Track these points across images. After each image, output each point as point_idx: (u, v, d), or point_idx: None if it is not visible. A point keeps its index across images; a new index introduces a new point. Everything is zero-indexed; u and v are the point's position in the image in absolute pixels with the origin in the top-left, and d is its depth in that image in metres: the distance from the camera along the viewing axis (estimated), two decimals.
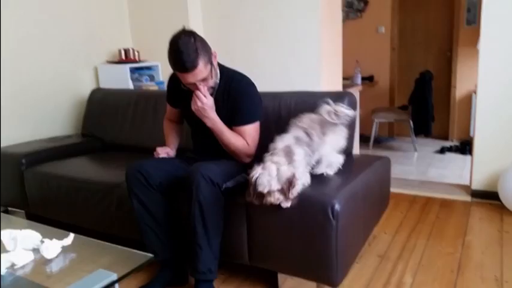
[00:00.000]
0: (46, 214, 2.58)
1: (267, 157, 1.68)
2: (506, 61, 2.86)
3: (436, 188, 3.33)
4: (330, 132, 1.85)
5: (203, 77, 1.83)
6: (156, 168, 1.97)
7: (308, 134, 1.80)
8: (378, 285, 1.96)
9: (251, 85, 2.01)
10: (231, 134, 1.93)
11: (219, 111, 1.91)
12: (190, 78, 1.82)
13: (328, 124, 1.84)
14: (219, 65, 2.00)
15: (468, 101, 5.06)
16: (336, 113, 1.84)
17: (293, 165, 1.65)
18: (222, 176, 1.84)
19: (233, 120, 1.95)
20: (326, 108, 1.85)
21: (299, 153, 1.71)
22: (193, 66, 1.78)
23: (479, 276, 2.00)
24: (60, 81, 3.28)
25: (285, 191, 1.60)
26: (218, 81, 1.97)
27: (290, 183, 1.60)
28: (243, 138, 1.95)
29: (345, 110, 1.85)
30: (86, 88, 3.41)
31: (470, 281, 1.96)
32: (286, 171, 1.61)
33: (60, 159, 2.72)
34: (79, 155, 2.88)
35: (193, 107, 1.87)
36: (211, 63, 1.87)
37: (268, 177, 1.59)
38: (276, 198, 1.62)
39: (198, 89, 1.84)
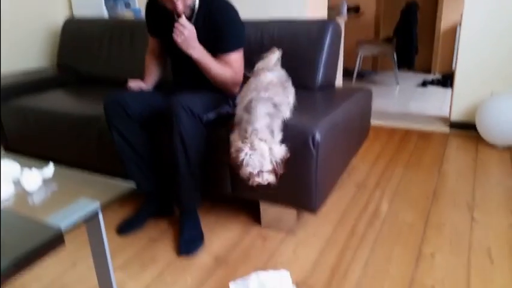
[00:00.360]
0: (26, 149, 2.55)
1: (249, 133, 1.53)
2: None
3: (415, 120, 3.39)
4: (289, 95, 1.80)
5: None
6: (135, 99, 1.92)
7: (276, 105, 1.66)
8: (354, 212, 2.04)
9: (233, 11, 1.91)
10: (218, 65, 1.86)
11: (199, 38, 1.83)
12: None
13: (286, 85, 1.79)
14: None
15: (453, 33, 5.01)
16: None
17: (275, 136, 1.59)
18: (203, 107, 1.81)
19: (217, 47, 1.87)
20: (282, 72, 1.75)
21: (277, 128, 1.62)
22: None
23: (453, 202, 2.10)
24: (30, 7, 3.09)
25: (276, 171, 1.52)
26: (197, 4, 1.87)
27: (282, 161, 1.54)
28: (229, 67, 1.90)
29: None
30: (59, 16, 3.24)
31: (443, 207, 2.06)
32: (280, 152, 1.52)
33: (36, 93, 2.64)
34: (55, 88, 2.80)
35: (178, 40, 1.78)
36: None
37: (260, 158, 1.49)
38: (265, 179, 1.52)
39: (176, 8, 1.76)
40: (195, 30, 1.80)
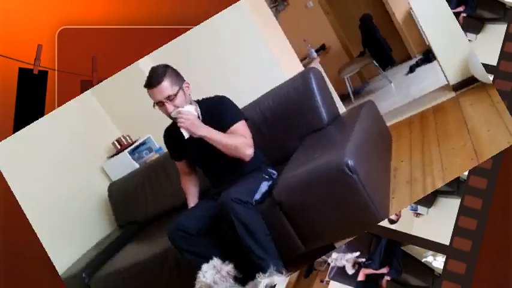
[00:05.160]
0: None
1: None
2: None
3: (422, 102, 3.34)
4: None
5: (168, 94, 1.86)
6: (190, 218, 2.00)
7: None
8: None
9: (226, 97, 2.04)
10: (227, 136, 1.92)
11: None
12: (157, 94, 1.86)
13: None
14: (199, 100, 2.05)
15: (410, 16, 5.06)
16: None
17: None
18: (249, 192, 1.88)
19: (222, 125, 1.94)
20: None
21: None
22: (158, 81, 1.85)
23: (496, 149, 2.00)
24: (72, 184, 3.25)
25: None
26: (199, 109, 2.00)
27: None
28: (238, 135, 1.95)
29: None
30: (100, 187, 3.44)
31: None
32: None
33: (112, 257, 2.74)
34: (126, 244, 2.90)
35: (182, 126, 1.87)
36: (182, 89, 1.91)
37: None
38: None
39: (168, 110, 1.88)
40: (192, 111, 1.91)
